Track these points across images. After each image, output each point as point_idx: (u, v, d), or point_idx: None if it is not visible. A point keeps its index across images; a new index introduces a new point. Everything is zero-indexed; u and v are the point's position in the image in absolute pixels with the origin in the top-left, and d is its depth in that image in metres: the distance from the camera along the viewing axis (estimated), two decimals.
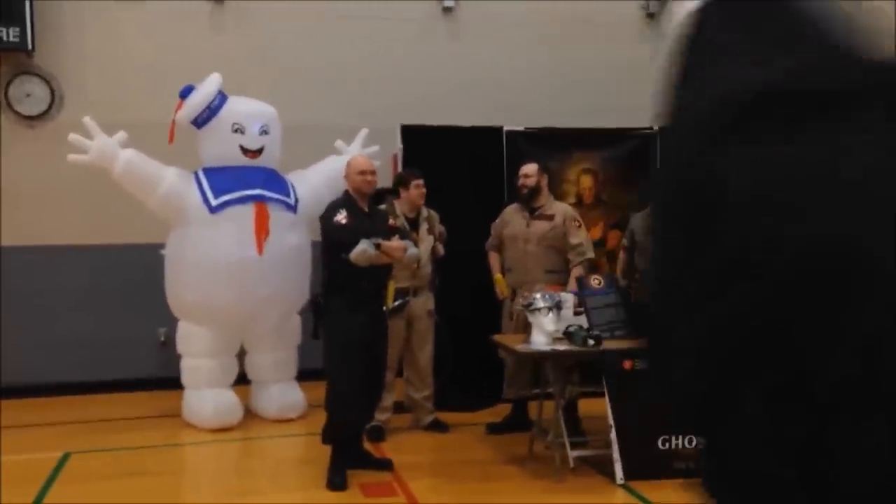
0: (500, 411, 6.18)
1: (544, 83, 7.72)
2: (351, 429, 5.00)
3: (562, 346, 4.81)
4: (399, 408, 6.04)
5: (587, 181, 6.78)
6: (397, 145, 6.65)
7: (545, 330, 4.85)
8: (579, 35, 7.91)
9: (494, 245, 5.92)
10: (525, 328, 5.25)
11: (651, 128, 6.92)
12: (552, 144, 6.59)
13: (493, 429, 5.88)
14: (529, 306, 4.88)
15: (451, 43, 7.82)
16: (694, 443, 0.71)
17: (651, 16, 8.15)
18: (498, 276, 5.79)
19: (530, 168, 5.66)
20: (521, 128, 6.73)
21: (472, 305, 6.39)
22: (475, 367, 6.46)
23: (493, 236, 5.94)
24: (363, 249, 4.75)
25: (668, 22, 8.05)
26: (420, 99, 7.41)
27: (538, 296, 4.88)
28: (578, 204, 6.52)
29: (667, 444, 4.79)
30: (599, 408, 5.78)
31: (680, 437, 4.77)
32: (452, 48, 7.80)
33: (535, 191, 5.64)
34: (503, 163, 6.65)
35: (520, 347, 4.86)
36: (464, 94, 7.53)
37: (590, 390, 5.44)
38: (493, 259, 5.92)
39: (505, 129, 6.70)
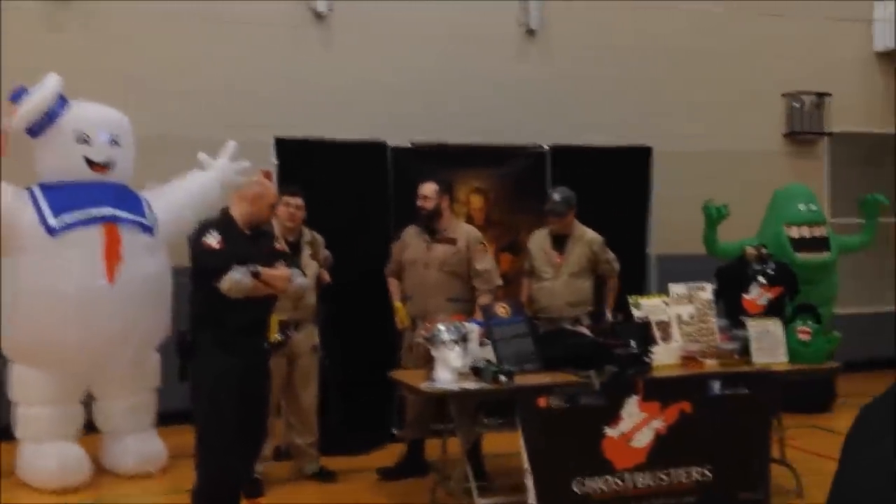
0: (392, 452, 5.61)
1: (428, 97, 7.26)
2: (226, 488, 4.29)
3: (470, 384, 4.30)
4: (279, 454, 5.36)
5: (477, 201, 6.36)
6: (271, 160, 5.99)
7: (451, 366, 4.33)
8: (460, 48, 7.52)
9: (394, 270, 5.38)
10: (427, 362, 4.71)
11: (541, 146, 6.60)
12: (441, 162, 6.12)
13: (387, 474, 5.30)
14: (433, 339, 4.36)
15: (324, 51, 7.23)
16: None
17: (531, 32, 7.87)
18: (398, 304, 5.25)
19: (429, 188, 5.18)
20: (407, 143, 6.23)
21: (360, 338, 5.81)
22: (365, 404, 5.88)
23: (393, 261, 5.40)
24: (237, 279, 4.08)
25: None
26: (295, 110, 6.78)
27: (442, 327, 4.36)
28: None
29: (582, 488, 4.36)
30: (501, 443, 5.34)
31: (596, 479, 4.36)
32: (327, 56, 7.21)
33: (434, 213, 5.15)
34: (388, 180, 6.13)
35: (424, 386, 4.32)
36: (343, 106, 6.96)
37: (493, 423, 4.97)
38: (393, 285, 5.37)
39: (390, 144, 6.17)
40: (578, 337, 4.63)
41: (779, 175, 8.23)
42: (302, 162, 5.85)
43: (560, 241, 5.44)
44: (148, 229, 5.47)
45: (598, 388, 4.33)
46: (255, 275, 4.20)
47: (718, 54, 8.19)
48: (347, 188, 5.98)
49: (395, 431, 6.00)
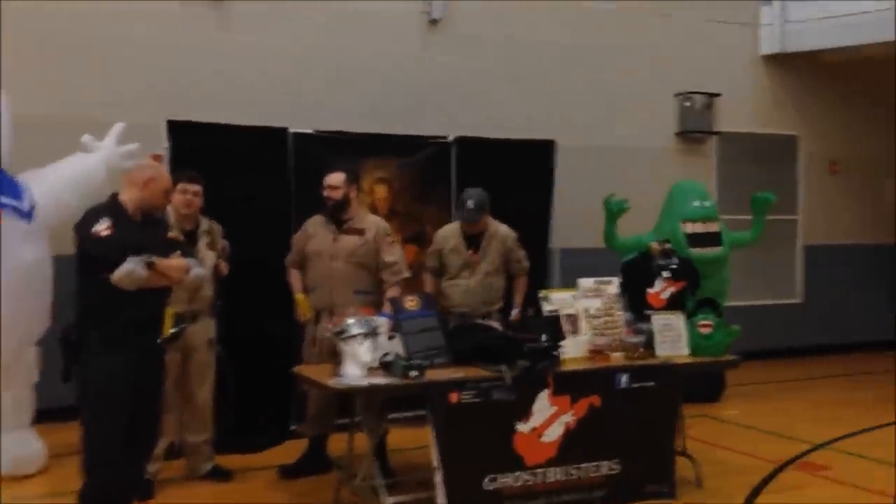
0: (292, 449, 5.40)
1: (331, 84, 7.05)
2: (116, 491, 4.00)
3: (379, 380, 4.16)
4: (171, 453, 5.07)
5: (381, 191, 6.21)
6: (163, 144, 5.65)
7: (360, 361, 4.18)
8: (364, 35, 7.33)
9: (296, 261, 5.16)
10: (332, 357, 4.54)
11: (446, 137, 6.50)
12: (344, 150, 5.93)
13: (287, 472, 5.09)
14: (342, 333, 4.19)
15: (223, 33, 6.89)
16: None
17: (434, 22, 7.76)
18: (300, 295, 5.03)
19: (336, 178, 4.99)
20: (309, 130, 6.00)
21: (259, 331, 5.58)
22: (263, 399, 5.64)
23: (295, 251, 5.18)
24: (130, 269, 3.79)
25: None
26: (189, 92, 6.44)
27: (352, 321, 4.20)
28: None
29: (493, 485, 4.30)
30: (404, 438, 5.23)
31: (507, 475, 4.31)
32: (225, 38, 6.88)
33: (342, 203, 4.97)
34: (289, 168, 5.89)
35: (332, 382, 4.14)
36: (242, 90, 6.66)
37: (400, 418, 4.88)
38: (295, 277, 5.16)
39: (291, 130, 5.94)
40: (489, 331, 4.56)
41: (671, 172, 8.43)
42: (196, 147, 5.54)
43: (474, 239, 5.34)
44: (26, 215, 5.05)
45: (509, 382, 4.27)
46: (150, 265, 3.92)
47: (615, 52, 8.31)
48: (246, 176, 5.71)
49: (294, 427, 5.79)
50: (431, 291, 5.27)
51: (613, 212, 6.72)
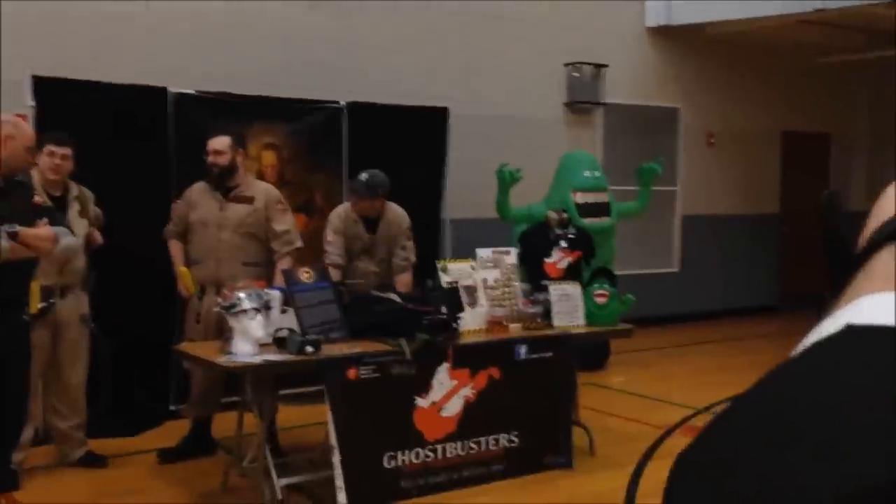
0: (172, 430, 5.10)
1: (215, 43, 6.60)
2: None
3: (273, 356, 3.93)
4: (38, 439, 4.68)
5: (270, 158, 5.90)
6: (27, 102, 5.16)
7: (252, 336, 3.93)
8: None
9: (177, 232, 4.82)
10: (218, 333, 4.27)
11: (337, 102, 6.24)
12: (229, 113, 5.58)
13: (168, 456, 4.79)
14: (231, 308, 3.93)
15: None
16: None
17: None
18: (182, 269, 4.69)
19: (221, 142, 4.67)
20: (190, 90, 5.62)
21: (135, 306, 5.21)
22: (139, 379, 5.30)
23: (175, 221, 4.83)
24: None
25: None
26: (59, 46, 5.89)
27: (243, 294, 3.94)
28: None
29: (392, 462, 4.16)
30: (292, 416, 5.02)
31: (406, 452, 4.18)
32: None
33: (228, 169, 4.66)
34: (168, 131, 5.50)
35: (221, 360, 3.88)
36: (117, 44, 6.15)
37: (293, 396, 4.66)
38: (175, 249, 4.81)
39: (171, 90, 5.54)
40: (387, 303, 4.38)
41: (560, 142, 8.46)
42: (66, 106, 5.09)
43: (371, 223, 4.92)
44: None
45: (409, 356, 4.13)
46: (13, 235, 3.57)
47: (508, 21, 8.21)
48: (121, 138, 5.30)
49: (175, 408, 5.47)
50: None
51: (506, 181, 6.65)
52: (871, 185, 11.48)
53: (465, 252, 5.79)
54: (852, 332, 0.38)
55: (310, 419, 5.38)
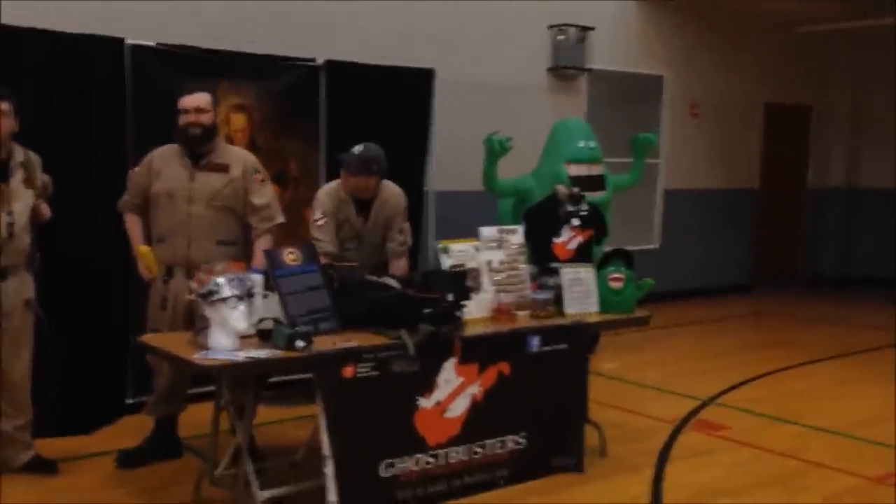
0: (131, 428, 4.52)
1: None
2: None
3: (259, 352, 3.37)
4: None
5: (239, 121, 5.26)
6: None
7: (233, 329, 3.36)
8: None
9: (136, 205, 4.17)
10: (189, 322, 3.69)
11: (314, 59, 5.61)
12: (194, 69, 4.93)
13: (128, 460, 4.20)
14: (210, 295, 3.35)
15: None
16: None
17: None
18: (143, 248, 4.05)
19: (203, 99, 4.03)
20: (151, 42, 4.94)
21: (88, 289, 4.59)
22: (93, 371, 4.68)
23: (133, 192, 4.18)
24: None
25: None
26: None
27: (223, 280, 3.36)
28: None
29: (390, 470, 3.65)
30: (262, 412, 4.48)
31: (406, 459, 3.67)
32: None
33: (210, 131, 4.04)
34: (125, 88, 4.83)
35: (197, 357, 3.30)
36: None
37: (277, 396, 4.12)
38: (134, 224, 4.18)
39: (128, 42, 4.86)
40: (384, 289, 3.83)
41: (544, 110, 7.97)
42: (6, 57, 4.38)
43: (363, 204, 4.31)
44: None
45: (412, 350, 3.61)
46: None
47: None
48: (71, 94, 4.61)
49: (131, 401, 4.88)
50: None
51: (496, 151, 6.14)
52: (851, 161, 11.24)
53: (449, 228, 5.28)
54: None
55: (287, 415, 4.87)
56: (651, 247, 9.32)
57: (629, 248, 9.23)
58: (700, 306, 9.37)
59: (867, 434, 4.94)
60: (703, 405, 5.58)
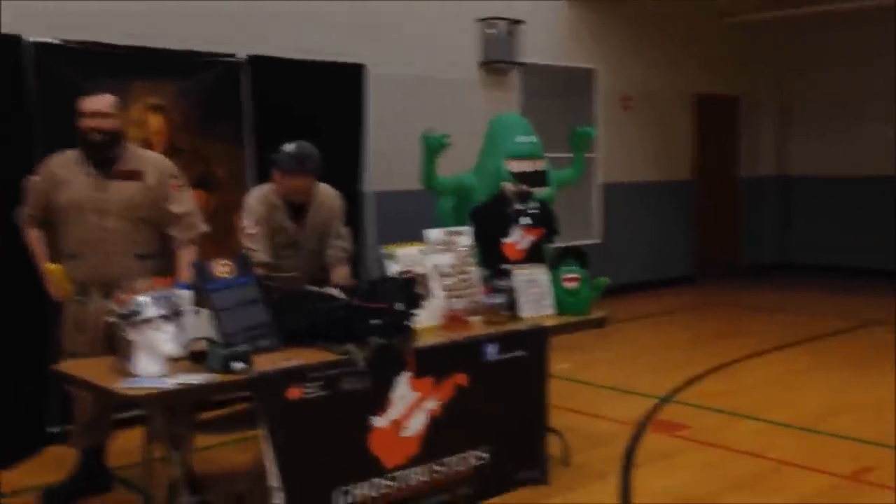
0: (54, 460, 4.09)
1: None
2: None
3: (191, 378, 3.00)
4: None
5: (157, 122, 4.84)
6: None
7: (160, 352, 2.99)
8: None
9: (38, 217, 3.73)
10: (110, 346, 3.28)
11: (234, 55, 5.23)
12: (104, 68, 4.51)
13: (54, 497, 3.76)
14: (131, 316, 2.97)
15: None
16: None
17: None
18: (51, 266, 3.60)
19: (104, 102, 3.62)
20: (53, 39, 4.49)
21: None
22: (8, 400, 4.22)
23: (33, 204, 3.73)
24: None
25: None
26: None
27: (146, 299, 2.99)
28: None
29: (344, 498, 3.32)
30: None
31: (361, 485, 3.35)
32: None
33: (115, 137, 3.62)
34: (25, 88, 4.38)
35: (120, 387, 2.92)
36: None
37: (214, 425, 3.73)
38: (35, 241, 3.73)
39: (28, 39, 4.40)
40: (327, 300, 3.49)
41: (476, 105, 7.74)
42: None
43: (298, 209, 3.96)
44: None
45: (362, 366, 3.29)
46: None
47: None
48: None
49: (55, 430, 4.43)
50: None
51: (433, 148, 5.85)
52: (781, 150, 11.33)
53: (389, 231, 4.99)
54: None
55: (228, 437, 4.48)
56: (593, 242, 9.17)
57: (571, 243, 9.13)
58: (646, 300, 9.27)
59: (829, 428, 4.82)
60: (662, 402, 5.41)
